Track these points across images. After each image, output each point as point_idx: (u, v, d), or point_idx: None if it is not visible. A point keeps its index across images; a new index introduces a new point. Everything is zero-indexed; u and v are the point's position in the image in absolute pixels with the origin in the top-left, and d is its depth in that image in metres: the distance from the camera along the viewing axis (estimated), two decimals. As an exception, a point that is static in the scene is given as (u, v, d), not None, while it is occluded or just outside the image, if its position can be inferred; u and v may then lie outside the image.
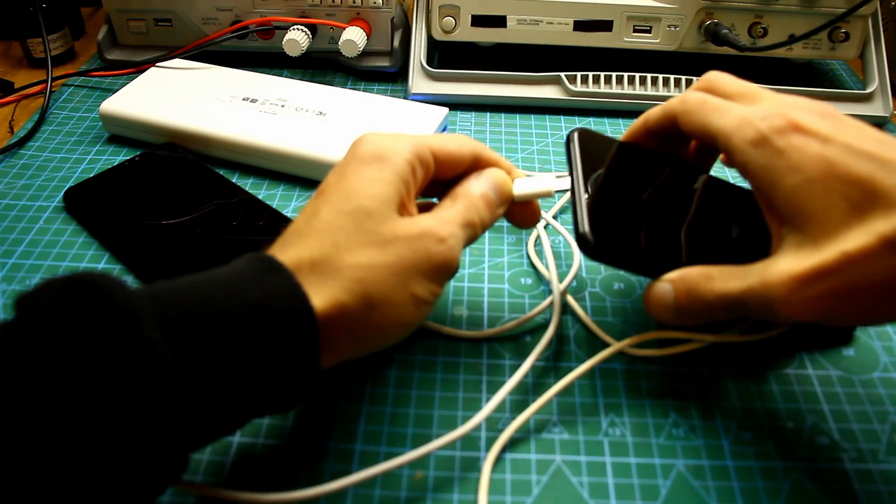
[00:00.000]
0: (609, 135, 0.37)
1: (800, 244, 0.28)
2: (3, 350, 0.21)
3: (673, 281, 0.31)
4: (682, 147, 0.37)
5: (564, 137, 0.37)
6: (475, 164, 0.33)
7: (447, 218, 0.30)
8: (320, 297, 0.26)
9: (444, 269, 0.29)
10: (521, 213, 0.34)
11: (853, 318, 0.28)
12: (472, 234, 0.31)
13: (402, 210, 0.30)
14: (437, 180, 0.33)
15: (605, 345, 0.36)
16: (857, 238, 0.26)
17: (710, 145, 0.32)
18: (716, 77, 0.34)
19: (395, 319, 0.28)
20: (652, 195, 0.34)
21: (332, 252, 0.27)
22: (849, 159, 0.27)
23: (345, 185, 0.29)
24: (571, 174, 0.34)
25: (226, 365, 0.24)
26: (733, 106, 0.31)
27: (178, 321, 0.23)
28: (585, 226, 0.32)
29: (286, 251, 0.28)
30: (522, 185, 0.34)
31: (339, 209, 0.28)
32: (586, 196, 0.33)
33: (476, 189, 0.32)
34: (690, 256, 0.32)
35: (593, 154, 0.35)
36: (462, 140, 0.33)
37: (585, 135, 0.36)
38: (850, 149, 0.28)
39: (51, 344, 0.21)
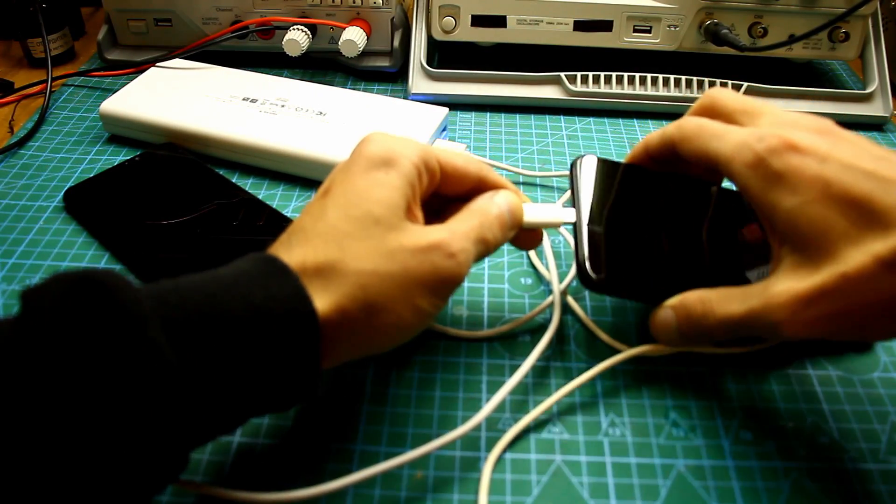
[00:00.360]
0: (613, 158, 0.37)
1: (799, 264, 0.28)
2: (8, 347, 0.21)
3: (674, 307, 0.32)
4: (689, 166, 0.37)
5: (568, 163, 0.37)
6: (479, 185, 0.33)
7: (460, 232, 0.30)
8: (323, 300, 0.26)
9: (450, 284, 0.29)
10: (525, 237, 0.35)
11: (857, 335, 0.29)
12: (484, 251, 0.31)
13: (409, 214, 0.29)
14: (438, 194, 0.33)
15: (606, 345, 0.36)
16: (855, 259, 0.26)
17: (709, 168, 0.32)
18: (717, 94, 0.34)
19: (395, 328, 0.28)
20: (654, 221, 0.35)
21: (337, 257, 0.27)
22: (846, 178, 0.27)
23: (352, 187, 0.29)
24: (574, 204, 0.35)
25: (229, 366, 0.24)
26: (731, 129, 0.31)
27: (183, 322, 0.23)
28: (585, 261, 0.33)
29: (291, 252, 0.28)
30: (532, 213, 0.34)
31: (346, 213, 0.28)
32: (587, 228, 0.34)
33: (493, 208, 0.32)
34: (693, 279, 0.33)
35: (596, 181, 0.36)
36: (469, 158, 0.33)
37: (588, 162, 0.36)
38: (847, 167, 0.28)
39: (55, 343, 0.21)
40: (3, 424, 0.20)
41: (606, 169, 0.37)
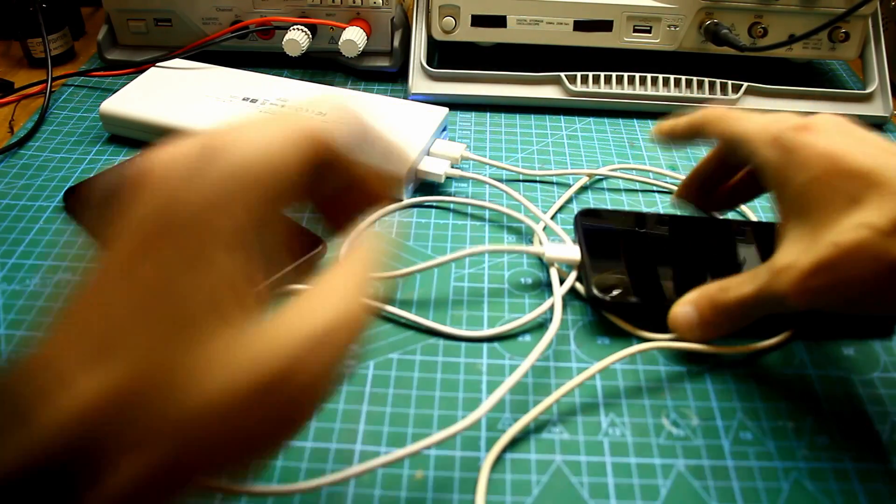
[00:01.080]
0: (613, 208, 0.43)
1: (800, 237, 0.30)
2: None
3: (693, 301, 0.34)
4: (726, 179, 0.40)
5: (574, 217, 0.43)
6: (353, 180, 0.22)
7: None
8: None
9: None
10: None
11: (862, 307, 0.29)
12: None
13: None
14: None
15: (606, 345, 0.36)
16: (848, 231, 0.28)
17: (732, 149, 0.35)
18: (708, 110, 0.37)
19: None
20: (651, 252, 0.39)
21: None
22: (852, 152, 0.29)
23: None
24: (580, 252, 0.39)
25: None
26: (751, 114, 0.34)
27: None
28: (593, 287, 0.37)
29: None
30: (553, 250, 0.38)
31: None
32: (591, 264, 0.38)
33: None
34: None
35: (597, 230, 0.40)
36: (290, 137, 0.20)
37: (587, 215, 0.41)
38: (856, 145, 0.30)
39: None
40: None
41: (606, 217, 0.42)
